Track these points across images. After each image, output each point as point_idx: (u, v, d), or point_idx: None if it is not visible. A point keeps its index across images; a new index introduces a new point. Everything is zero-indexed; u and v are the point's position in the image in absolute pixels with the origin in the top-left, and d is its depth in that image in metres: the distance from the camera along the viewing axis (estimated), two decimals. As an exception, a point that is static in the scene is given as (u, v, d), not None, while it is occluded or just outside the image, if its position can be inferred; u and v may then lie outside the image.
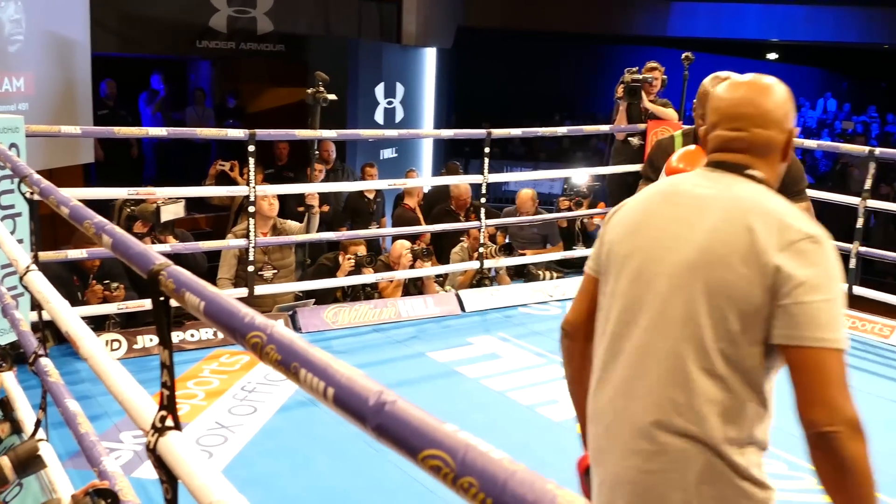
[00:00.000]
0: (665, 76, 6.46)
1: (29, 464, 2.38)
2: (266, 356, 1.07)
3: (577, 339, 1.80)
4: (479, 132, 5.71)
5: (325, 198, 6.89)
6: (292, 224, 5.50)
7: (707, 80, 2.36)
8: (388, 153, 10.21)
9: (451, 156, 12.42)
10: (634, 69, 6.32)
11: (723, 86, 1.63)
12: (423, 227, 5.87)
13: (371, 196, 7.05)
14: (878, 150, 5.57)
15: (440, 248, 6.72)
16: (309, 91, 5.84)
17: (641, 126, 6.30)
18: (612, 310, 1.62)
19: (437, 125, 11.19)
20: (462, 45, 12.98)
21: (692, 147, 2.41)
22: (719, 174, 1.57)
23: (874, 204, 5.51)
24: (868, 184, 5.46)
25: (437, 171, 11.02)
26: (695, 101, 2.41)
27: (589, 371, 1.73)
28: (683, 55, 6.54)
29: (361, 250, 5.51)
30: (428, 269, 5.62)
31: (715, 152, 1.60)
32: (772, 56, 18.31)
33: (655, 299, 1.54)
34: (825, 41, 16.47)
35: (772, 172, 1.58)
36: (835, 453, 1.38)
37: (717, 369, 1.47)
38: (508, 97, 16.04)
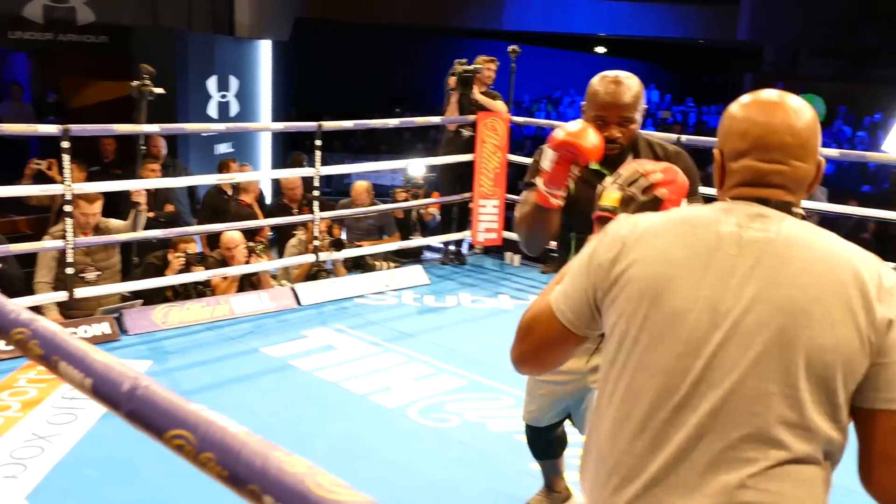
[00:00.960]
0: (496, 69, 6.66)
1: None
2: (30, 352, 1.06)
3: None
4: (310, 125, 5.70)
5: (164, 196, 6.69)
6: (116, 223, 5.29)
7: (595, 80, 2.36)
8: (223, 148, 9.98)
9: (291, 150, 12.27)
10: (464, 60, 6.48)
11: (747, 104, 1.38)
12: (256, 222, 5.78)
13: (230, 193, 6.87)
14: (684, 138, 6.00)
15: (282, 243, 6.67)
16: (134, 84, 5.62)
17: (472, 117, 6.48)
18: (642, 386, 1.30)
19: (276, 119, 11.03)
20: (301, 38, 12.84)
21: (579, 123, 2.29)
22: (765, 211, 1.30)
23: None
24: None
25: (276, 166, 10.87)
26: (583, 102, 2.41)
27: None
28: (510, 48, 6.75)
29: (192, 248, 5.38)
30: (262, 265, 5.56)
31: (745, 187, 1.33)
32: (600, 50, 19.25)
33: (726, 375, 1.24)
34: (648, 36, 17.50)
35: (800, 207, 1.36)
36: None
37: (818, 457, 1.23)
38: (350, 90, 16.01)
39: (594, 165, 2.33)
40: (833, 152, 6.12)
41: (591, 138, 2.24)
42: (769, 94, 1.38)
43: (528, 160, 7.88)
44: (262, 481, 0.67)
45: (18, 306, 1.17)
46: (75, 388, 0.97)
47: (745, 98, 1.39)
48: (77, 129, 4.64)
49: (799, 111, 1.33)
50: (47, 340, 1.03)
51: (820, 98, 16.27)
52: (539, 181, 2.34)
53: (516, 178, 10.30)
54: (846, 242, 1.28)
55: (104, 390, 0.90)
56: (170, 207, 6.79)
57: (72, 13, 9.11)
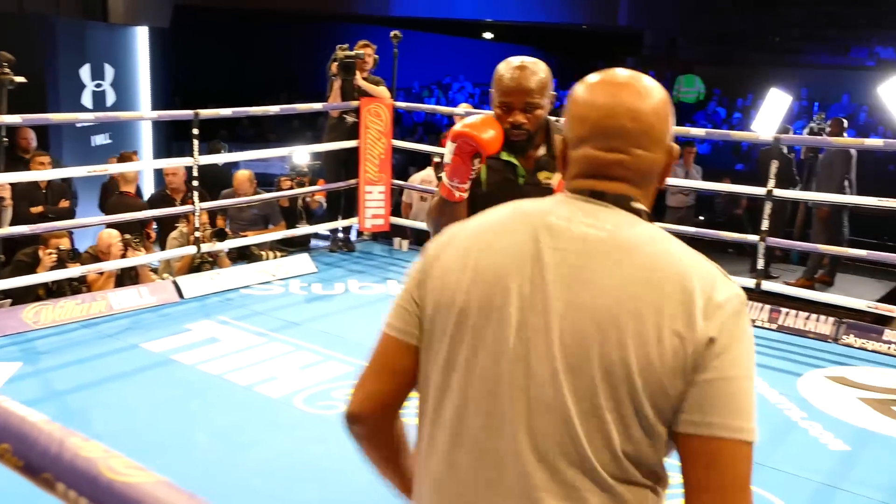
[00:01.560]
0: (377, 55, 6.63)
1: None
2: None
3: (380, 427, 1.33)
4: (186, 113, 5.55)
5: (60, 191, 6.38)
6: (-21, 220, 5.02)
7: (501, 66, 2.35)
8: (100, 140, 9.59)
9: (175, 140, 11.90)
10: (346, 46, 6.44)
11: (590, 85, 1.22)
12: (133, 214, 5.58)
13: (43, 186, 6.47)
14: (562, 120, 6.13)
15: (162, 235, 6.47)
16: (-9, 73, 5.32)
17: (355, 103, 6.44)
18: (458, 394, 1.17)
19: (156, 108, 10.66)
20: (182, 25, 12.42)
21: (480, 115, 2.35)
22: (599, 208, 1.17)
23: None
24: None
25: (158, 157, 10.52)
26: (491, 88, 2.40)
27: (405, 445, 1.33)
28: (392, 33, 6.74)
29: (65, 243, 5.17)
30: (139, 258, 5.40)
31: (583, 178, 1.19)
32: (487, 35, 19.44)
33: (535, 385, 1.12)
34: (534, 21, 17.78)
35: (649, 203, 1.21)
36: None
37: (625, 477, 1.12)
38: (235, 78, 15.63)
39: (504, 155, 2.35)
40: (699, 132, 6.40)
41: (489, 130, 2.26)
42: (615, 73, 1.21)
43: (416, 146, 7.95)
44: (55, 468, 0.66)
45: None
46: None
47: (591, 78, 1.22)
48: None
49: (645, 93, 1.17)
50: None
51: (699, 78, 16.94)
52: (444, 174, 2.37)
53: (404, 164, 10.30)
54: (683, 250, 1.14)
55: None
56: (65, 203, 6.50)
57: (-73, -2, 8.56)
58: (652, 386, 1.07)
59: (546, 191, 2.31)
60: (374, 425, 1.30)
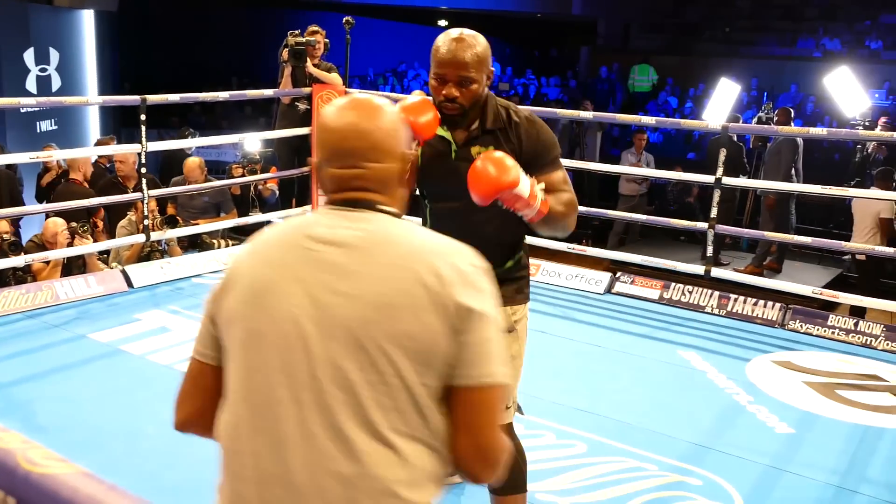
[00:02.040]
0: (328, 40, 6.56)
1: None
2: None
3: (210, 427, 1.41)
4: (133, 99, 5.43)
5: None
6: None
7: (439, 37, 2.25)
8: (46, 125, 9.36)
9: (125, 126, 11.65)
10: (297, 32, 6.36)
11: (328, 113, 1.40)
12: (80, 202, 5.45)
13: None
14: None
15: (111, 223, 6.34)
16: (-72, 56, 5.16)
17: (307, 90, 6.37)
18: (249, 390, 1.32)
19: (103, 93, 10.43)
20: (130, 8, 12.15)
21: (417, 98, 2.28)
22: (355, 214, 1.36)
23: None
24: (510, 138, 6.00)
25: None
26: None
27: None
28: (345, 19, 6.68)
29: (3, 228, 5.04)
30: (85, 247, 5.28)
31: (335, 192, 1.38)
32: (442, 23, 19.36)
33: (310, 373, 1.28)
34: (488, 10, 17.75)
35: (398, 204, 1.43)
36: (483, 481, 1.37)
37: (406, 432, 1.29)
38: (186, 64, 15.35)
39: (439, 130, 2.28)
40: (650, 120, 6.45)
41: (425, 113, 2.22)
42: (350, 100, 1.40)
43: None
44: (-28, 460, 0.63)
45: None
46: None
47: (329, 106, 1.42)
48: None
49: (370, 114, 1.37)
50: None
51: (653, 68, 17.09)
52: None
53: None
54: (429, 236, 1.36)
55: None
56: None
57: None
58: (421, 353, 1.26)
59: None
60: (203, 429, 1.44)
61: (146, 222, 5.44)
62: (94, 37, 10.37)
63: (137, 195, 5.53)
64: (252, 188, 6.99)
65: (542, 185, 2.20)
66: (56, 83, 9.54)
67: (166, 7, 15.13)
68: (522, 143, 2.29)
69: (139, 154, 5.53)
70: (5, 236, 5.07)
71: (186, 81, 14.19)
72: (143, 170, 5.47)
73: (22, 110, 8.51)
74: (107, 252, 5.76)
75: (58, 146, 7.27)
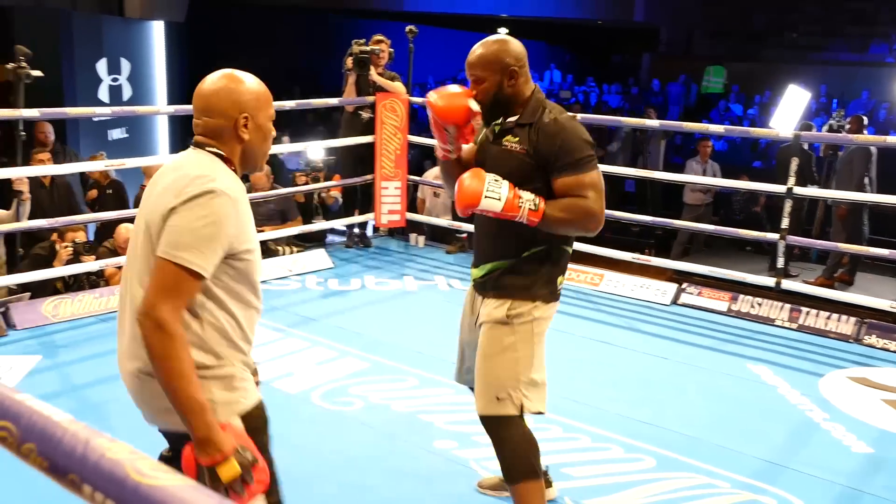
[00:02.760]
0: (392, 49, 6.60)
1: None
2: None
3: None
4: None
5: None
6: (-2, 213, 5.03)
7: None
8: (117, 134, 9.62)
9: (190, 135, 11.91)
10: (362, 41, 6.41)
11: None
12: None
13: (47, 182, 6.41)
14: (579, 116, 6.08)
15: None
16: (9, 67, 5.33)
17: (370, 98, 6.41)
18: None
19: (172, 102, 10.68)
20: (197, 19, 12.43)
21: (455, 87, 2.58)
22: (192, 151, 1.96)
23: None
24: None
25: (174, 151, 10.55)
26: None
27: None
28: (407, 28, 6.72)
29: (80, 237, 5.17)
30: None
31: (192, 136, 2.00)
32: (502, 31, 19.34)
33: (132, 251, 1.97)
34: (548, 17, 17.68)
35: (230, 149, 1.95)
36: (143, 338, 1.79)
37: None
38: (249, 72, 15.62)
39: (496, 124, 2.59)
40: (718, 128, 6.33)
41: (451, 100, 2.50)
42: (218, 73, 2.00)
43: (432, 141, 7.89)
44: (81, 470, 0.64)
45: None
46: None
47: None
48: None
49: (210, 82, 1.96)
50: None
51: (722, 68, 16.80)
52: None
53: (419, 160, 10.25)
54: (201, 165, 1.88)
55: (-72, 384, 0.84)
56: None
57: (-54, -7, 8.60)
58: (156, 235, 1.84)
59: (506, 152, 2.53)
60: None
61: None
62: (163, 47, 10.63)
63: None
64: (316, 196, 7.07)
65: (531, 196, 2.42)
66: (127, 92, 9.80)
67: (231, 17, 15.43)
68: (539, 142, 2.47)
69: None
70: (77, 239, 5.20)
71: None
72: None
73: (94, 119, 8.76)
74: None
75: (128, 154, 7.46)
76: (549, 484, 2.94)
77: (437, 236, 7.11)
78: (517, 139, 2.50)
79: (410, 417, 3.71)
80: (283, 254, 6.13)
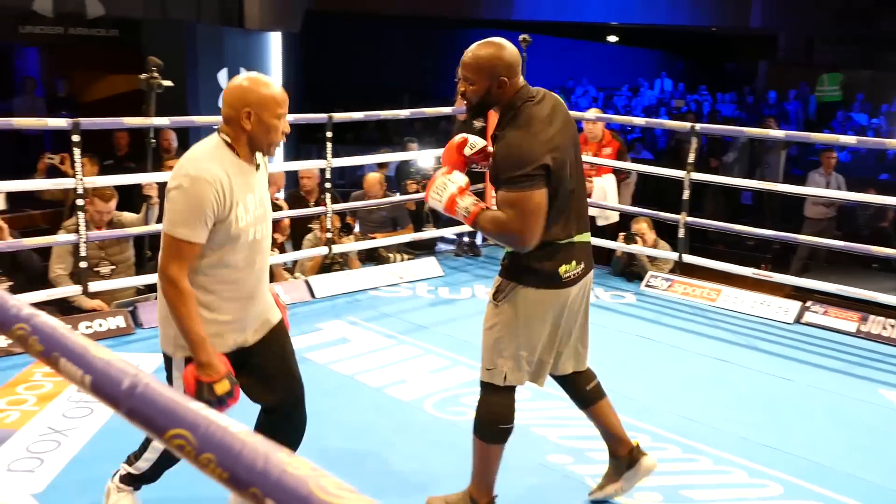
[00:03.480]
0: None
1: None
2: (31, 348, 1.03)
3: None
4: (320, 117, 5.66)
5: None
6: (129, 216, 5.28)
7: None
8: (233, 141, 9.96)
9: (303, 142, 12.22)
10: (474, 50, 6.41)
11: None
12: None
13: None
14: (698, 126, 5.91)
15: (297, 235, 6.63)
16: (142, 77, 5.60)
17: (483, 107, 6.41)
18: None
19: (289, 111, 10.97)
20: (311, 30, 12.78)
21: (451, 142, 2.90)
22: (214, 133, 2.47)
23: (697, 176, 5.84)
24: (692, 157, 5.79)
25: (287, 158, 10.85)
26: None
27: None
28: (521, 37, 6.69)
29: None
30: (275, 258, 5.54)
31: None
32: (612, 39, 19.09)
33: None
34: (660, 24, 17.33)
35: (235, 135, 2.41)
36: (160, 292, 2.42)
37: None
38: (360, 82, 15.95)
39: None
40: (850, 139, 6.02)
41: (444, 157, 2.91)
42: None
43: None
44: (263, 484, 0.64)
45: (20, 302, 1.13)
46: (75, 385, 0.93)
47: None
48: (87, 122, 4.62)
49: (235, 81, 2.45)
50: (47, 336, 1.00)
51: (838, 74, 16.06)
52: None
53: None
54: (200, 148, 2.42)
55: (104, 388, 0.86)
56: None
57: (82, 7, 9.10)
58: None
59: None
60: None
61: (328, 235, 5.64)
62: (280, 57, 10.96)
63: (321, 209, 5.75)
64: (426, 204, 7.11)
65: (469, 202, 2.69)
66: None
67: (343, 28, 15.79)
68: (495, 154, 2.65)
69: (322, 170, 5.76)
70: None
71: (361, 99, 14.76)
72: (328, 184, 5.68)
73: (214, 127, 9.10)
74: (292, 262, 6.02)
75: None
76: (641, 454, 3.02)
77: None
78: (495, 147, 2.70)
79: (523, 430, 3.66)
80: (394, 261, 6.19)
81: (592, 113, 6.52)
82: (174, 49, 8.71)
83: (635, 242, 5.96)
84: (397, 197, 6.78)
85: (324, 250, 5.71)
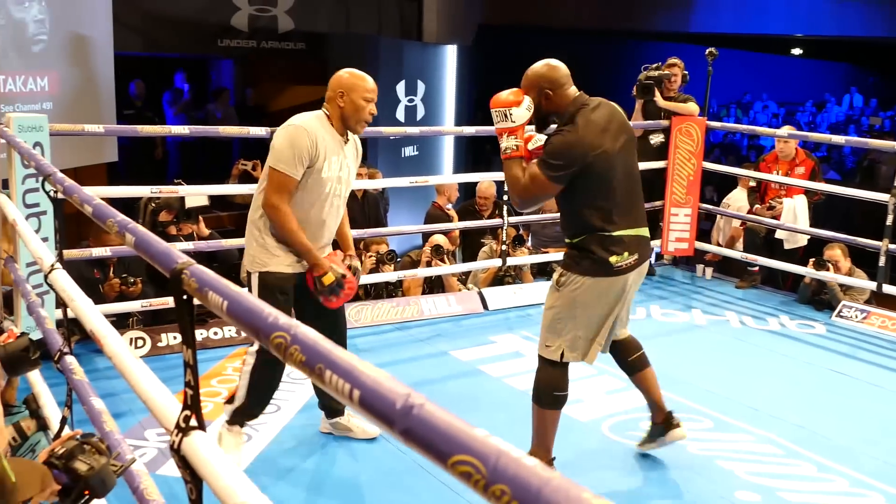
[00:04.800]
0: (686, 72, 6.38)
1: (17, 362, 2.40)
2: (290, 357, 1.05)
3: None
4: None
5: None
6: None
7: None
8: (409, 151, 10.20)
9: (474, 154, 12.37)
10: (654, 66, 6.25)
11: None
12: (444, 225, 5.83)
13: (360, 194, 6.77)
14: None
15: (467, 247, 6.70)
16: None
17: (664, 122, 6.23)
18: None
19: (458, 123, 11.15)
20: (483, 43, 12.91)
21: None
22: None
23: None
24: (899, 180, 5.35)
25: (458, 169, 11.00)
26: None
27: None
28: (707, 51, 6.47)
29: (384, 248, 5.50)
30: (450, 267, 5.60)
31: None
32: (796, 51, 18.11)
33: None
34: (851, 36, 16.26)
35: (332, 110, 3.16)
36: (251, 222, 3.21)
37: None
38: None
39: None
40: None
41: (504, 93, 3.21)
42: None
43: (720, 168, 7.51)
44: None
45: (275, 310, 1.17)
46: (340, 398, 0.95)
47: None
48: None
49: (337, 72, 3.25)
50: (310, 348, 1.02)
51: None
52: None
53: (704, 186, 9.83)
54: (303, 115, 3.19)
55: (375, 405, 0.86)
56: None
57: (274, 22, 9.62)
58: None
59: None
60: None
61: (503, 247, 5.65)
62: (454, 70, 11.14)
63: (496, 221, 5.77)
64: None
65: (518, 143, 3.06)
66: (420, 113, 10.37)
67: (516, 40, 15.86)
68: (546, 142, 3.09)
69: (499, 182, 5.77)
70: (381, 251, 5.53)
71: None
72: (506, 197, 5.68)
73: (391, 137, 9.35)
74: (465, 274, 6.07)
75: (418, 171, 7.85)
76: (677, 424, 3.43)
77: (726, 268, 6.73)
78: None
79: (707, 462, 3.50)
80: (567, 276, 6.10)
81: (786, 130, 6.18)
82: (357, 61, 8.96)
83: (827, 269, 5.58)
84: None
85: (498, 262, 5.72)
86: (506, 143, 3.07)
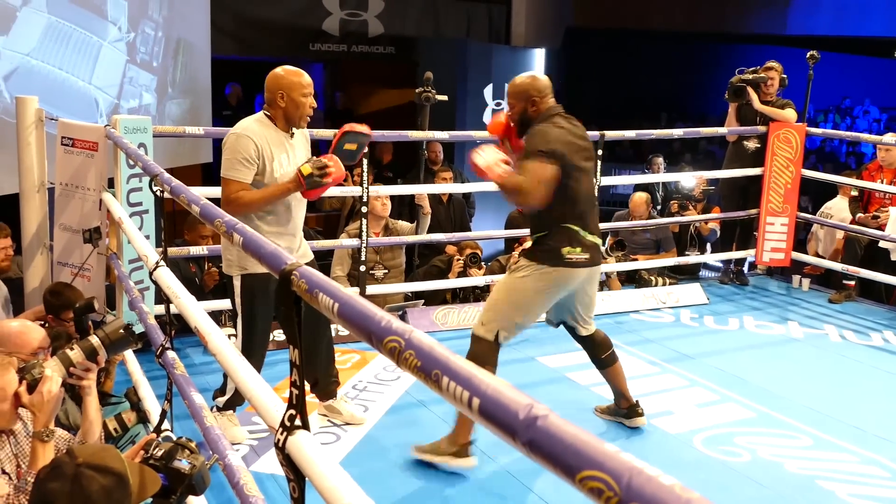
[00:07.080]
0: (785, 76, 6.17)
1: (118, 342, 2.50)
2: (404, 361, 1.04)
3: None
4: (592, 134, 5.58)
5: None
6: (403, 224, 5.53)
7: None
8: (493, 155, 10.18)
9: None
10: (751, 70, 6.07)
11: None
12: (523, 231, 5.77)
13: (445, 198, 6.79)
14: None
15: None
16: (417, 91, 5.86)
17: (761, 129, 6.04)
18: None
19: (545, 127, 11.06)
20: (570, 46, 12.80)
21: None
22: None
23: None
24: None
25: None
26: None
27: None
28: (808, 54, 6.27)
29: (468, 251, 5.50)
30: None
31: None
32: (901, 54, 17.31)
33: None
34: (961, 38, 15.46)
35: (274, 112, 3.30)
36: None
37: None
38: (616, 98, 15.74)
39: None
40: None
41: (491, 122, 3.68)
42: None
43: (821, 175, 7.23)
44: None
45: (388, 314, 1.17)
46: (457, 405, 0.93)
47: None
48: (376, 134, 4.89)
49: (273, 71, 3.31)
50: (425, 354, 1.01)
51: None
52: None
53: (800, 195, 9.50)
54: (245, 122, 3.31)
55: (497, 415, 0.85)
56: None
57: (364, 26, 9.76)
58: None
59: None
60: None
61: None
62: (543, 73, 11.08)
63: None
64: (691, 226, 6.83)
65: (506, 167, 3.21)
66: (506, 116, 10.35)
67: (603, 43, 15.67)
68: (525, 139, 3.33)
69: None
70: (468, 254, 5.53)
71: (618, 116, 14.56)
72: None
73: (478, 142, 9.35)
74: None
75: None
76: (641, 413, 3.74)
77: (824, 280, 6.49)
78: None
79: (807, 482, 3.36)
80: (656, 285, 5.99)
81: (891, 137, 5.91)
82: (445, 65, 9.06)
83: (935, 283, 5.31)
84: (663, 219, 6.56)
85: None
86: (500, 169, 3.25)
